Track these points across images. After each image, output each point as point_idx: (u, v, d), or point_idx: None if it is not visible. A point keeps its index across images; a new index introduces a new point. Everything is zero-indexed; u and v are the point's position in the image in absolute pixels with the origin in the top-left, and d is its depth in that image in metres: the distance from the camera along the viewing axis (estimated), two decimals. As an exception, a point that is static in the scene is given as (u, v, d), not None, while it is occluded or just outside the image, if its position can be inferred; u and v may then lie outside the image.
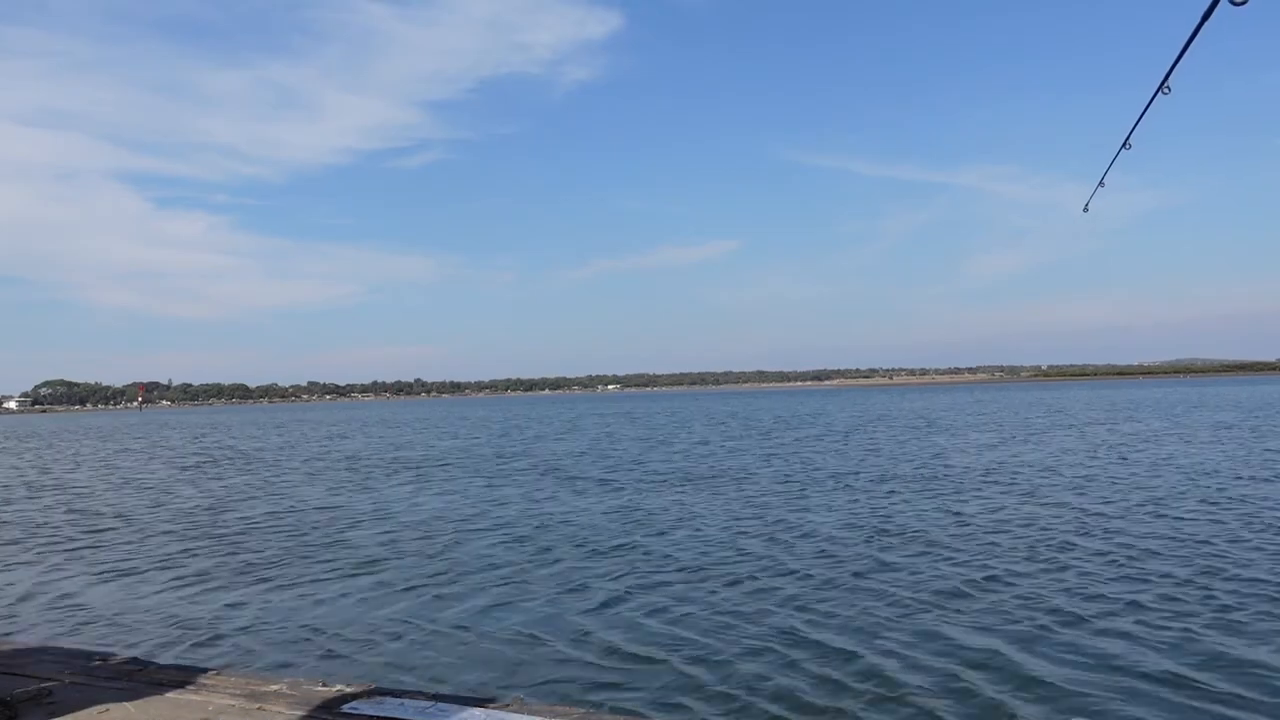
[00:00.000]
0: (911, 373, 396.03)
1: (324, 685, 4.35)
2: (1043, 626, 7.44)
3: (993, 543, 11.13)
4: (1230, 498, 14.21)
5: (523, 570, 10.37)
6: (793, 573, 9.77)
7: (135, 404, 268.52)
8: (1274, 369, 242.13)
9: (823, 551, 10.87)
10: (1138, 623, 7.45)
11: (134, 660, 5.71)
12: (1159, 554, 10.14)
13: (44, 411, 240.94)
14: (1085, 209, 6.63)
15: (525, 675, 6.60)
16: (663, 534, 12.62)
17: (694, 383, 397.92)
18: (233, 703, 4.00)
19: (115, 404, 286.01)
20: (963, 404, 69.59)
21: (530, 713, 3.79)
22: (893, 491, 16.30)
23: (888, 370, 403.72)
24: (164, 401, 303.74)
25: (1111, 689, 5.99)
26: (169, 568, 11.27)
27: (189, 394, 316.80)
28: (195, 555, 12.06)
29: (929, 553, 10.61)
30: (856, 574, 9.60)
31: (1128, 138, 5.17)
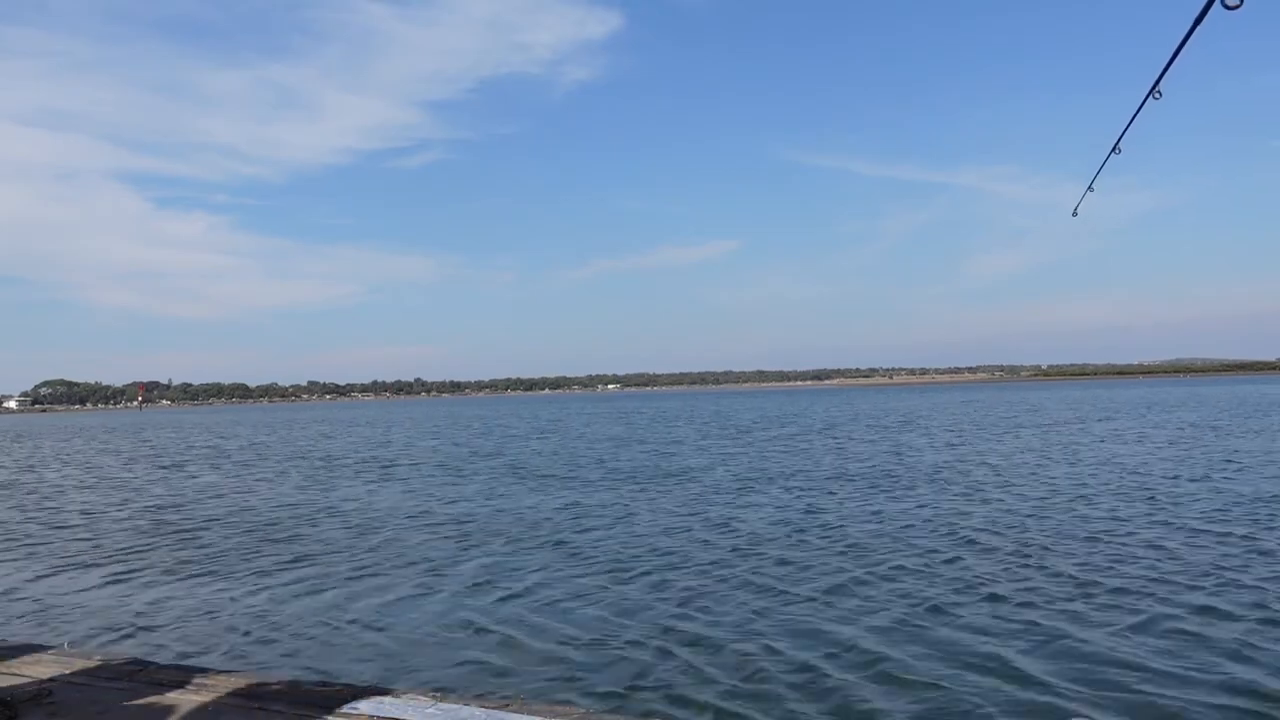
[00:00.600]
0: (911, 372, 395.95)
1: (324, 685, 4.35)
2: (903, 617, 7.71)
3: (900, 538, 11.42)
4: (1150, 496, 14.46)
5: (437, 565, 10.64)
6: (699, 567, 10.05)
7: (135, 404, 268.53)
8: (1274, 368, 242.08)
9: (736, 548, 11.12)
10: (993, 614, 7.73)
11: (134, 660, 5.71)
12: (1051, 549, 10.46)
13: (44, 411, 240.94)
14: (1074, 213, 6.60)
15: (397, 663, 6.90)
16: (595, 530, 12.91)
17: (694, 382, 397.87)
18: (233, 703, 4.01)
19: (115, 404, 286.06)
20: (949, 404, 69.81)
21: (530, 713, 3.79)
22: (831, 491, 16.49)
23: (888, 370, 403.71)
24: (164, 401, 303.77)
25: (948, 675, 6.23)
26: (100, 565, 11.44)
27: (189, 394, 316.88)
28: (138, 551, 12.26)
29: (835, 548, 10.91)
30: (756, 568, 9.86)
31: (1118, 142, 5.15)
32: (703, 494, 16.64)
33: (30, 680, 4.33)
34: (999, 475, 18.30)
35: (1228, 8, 3.09)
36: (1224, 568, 9.18)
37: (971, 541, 11.05)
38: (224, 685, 4.29)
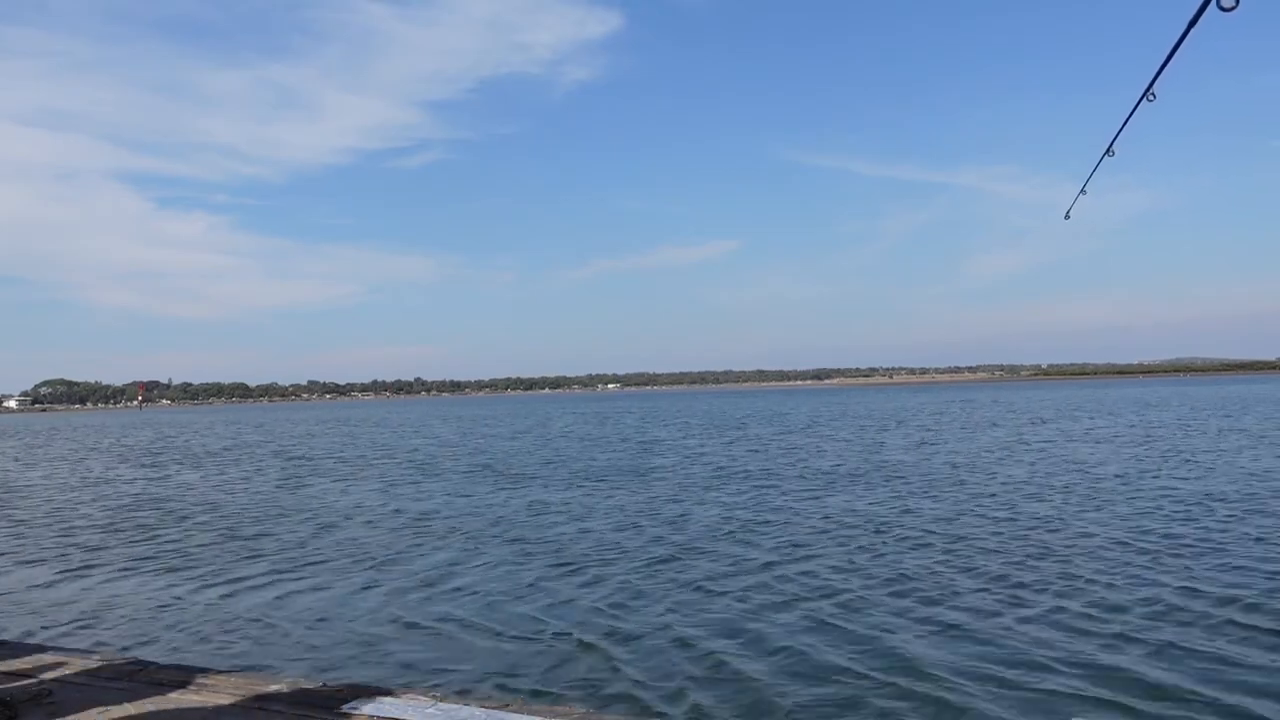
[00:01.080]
0: (911, 372, 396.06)
1: (324, 685, 4.35)
2: (814, 612, 7.98)
3: (838, 534, 11.82)
4: (1088, 494, 14.80)
5: (383, 561, 10.95)
6: (634, 563, 10.39)
7: (135, 403, 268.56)
8: (1274, 368, 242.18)
9: (678, 544, 11.51)
10: (887, 607, 8.08)
11: (134, 660, 5.71)
12: (977, 545, 10.83)
13: (44, 411, 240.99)
14: (1067, 216, 6.57)
15: (321, 655, 7.19)
16: (549, 526, 13.36)
17: (694, 382, 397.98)
18: (233, 703, 4.01)
19: (115, 403, 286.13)
20: (934, 403, 70.55)
21: (530, 713, 3.79)
22: (783, 488, 16.95)
23: (888, 370, 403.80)
24: (164, 401, 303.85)
25: (848, 667, 6.51)
26: (47, 560, 11.68)
27: (189, 393, 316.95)
28: (98, 548, 12.52)
29: (771, 544, 11.27)
30: (688, 565, 10.21)
31: (1111, 144, 5.13)
32: (658, 492, 17.06)
33: (30, 680, 4.33)
34: (954, 470, 18.99)
35: (1223, 9, 3.08)
36: (1131, 563, 9.53)
37: (903, 538, 11.33)
38: (224, 685, 4.29)
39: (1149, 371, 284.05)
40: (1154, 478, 16.72)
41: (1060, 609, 7.79)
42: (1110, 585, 8.57)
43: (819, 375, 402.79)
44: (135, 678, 4.45)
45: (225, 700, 4.01)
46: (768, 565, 10.00)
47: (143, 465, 28.89)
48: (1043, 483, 16.49)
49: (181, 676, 4.48)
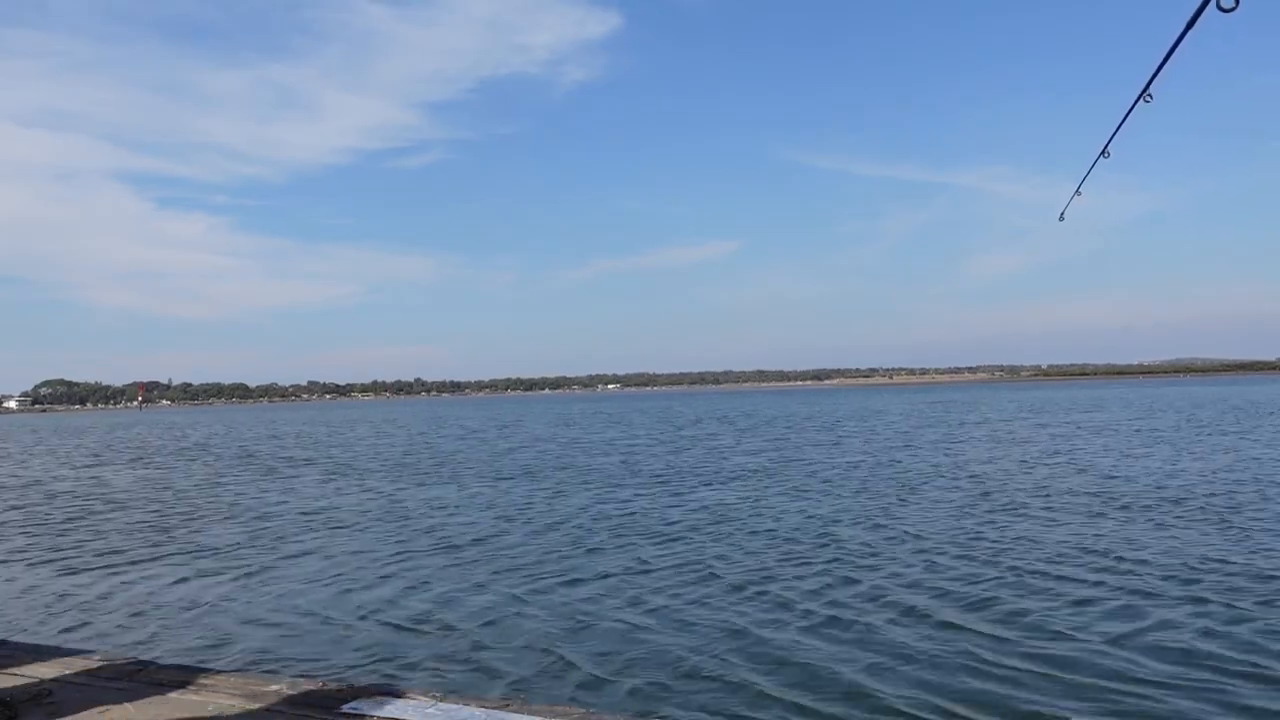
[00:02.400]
0: (911, 372, 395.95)
1: (325, 685, 4.35)
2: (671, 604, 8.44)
3: (723, 528, 12.49)
4: (1014, 495, 15.23)
5: (287, 555, 11.39)
6: (523, 552, 11.27)
7: (135, 404, 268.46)
8: (1274, 368, 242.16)
9: (572, 538, 12.13)
10: (761, 596, 8.59)
11: (134, 660, 5.71)
12: (878, 529, 11.65)
13: (44, 411, 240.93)
14: (1061, 218, 6.54)
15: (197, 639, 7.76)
16: (448, 520, 14.20)
17: (694, 382, 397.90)
18: (233, 703, 4.00)
19: (115, 403, 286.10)
20: (919, 403, 71.42)
21: (530, 713, 3.79)
22: (709, 485, 17.99)
23: (888, 370, 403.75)
24: (164, 401, 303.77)
25: (690, 650, 6.91)
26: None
27: (189, 394, 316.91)
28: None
29: (648, 537, 11.97)
30: (568, 555, 10.91)
31: (1106, 145, 5.10)
32: (569, 488, 18.14)
33: (30, 680, 4.33)
34: (892, 467, 19.90)
35: (1223, 10, 3.06)
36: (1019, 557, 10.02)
37: (788, 539, 11.75)
38: (224, 685, 4.29)
39: (1149, 371, 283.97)
40: (1083, 475, 17.34)
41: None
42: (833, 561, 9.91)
43: (819, 375, 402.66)
44: (135, 678, 4.45)
45: (225, 700, 4.01)
46: (639, 557, 10.70)
47: (114, 465, 28.95)
48: (973, 480, 17.20)
49: (181, 676, 4.48)
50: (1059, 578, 8.91)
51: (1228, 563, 9.33)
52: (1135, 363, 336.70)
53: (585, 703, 5.75)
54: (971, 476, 17.97)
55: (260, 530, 13.94)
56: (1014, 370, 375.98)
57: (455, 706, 3.90)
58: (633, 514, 14.32)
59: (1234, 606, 7.67)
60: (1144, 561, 9.50)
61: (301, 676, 5.43)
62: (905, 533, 11.76)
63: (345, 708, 3.85)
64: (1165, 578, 8.77)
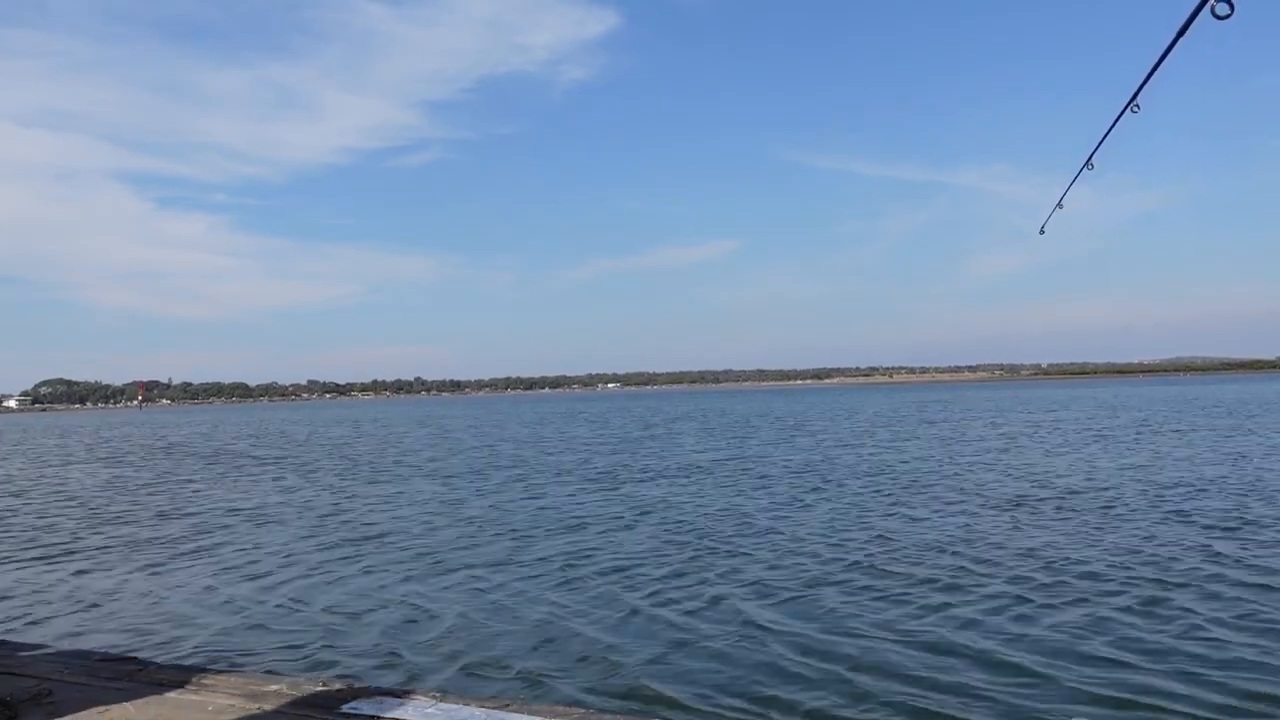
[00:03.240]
0: (911, 371, 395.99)
1: (324, 685, 4.35)
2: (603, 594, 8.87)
3: (629, 525, 12.94)
4: (945, 493, 15.52)
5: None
6: (424, 543, 11.88)
7: (135, 403, 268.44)
8: (1274, 368, 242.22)
9: (492, 533, 12.58)
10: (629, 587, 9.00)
11: (134, 660, 5.71)
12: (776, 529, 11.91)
13: (44, 410, 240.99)
14: (1042, 231, 6.41)
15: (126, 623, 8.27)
16: (390, 517, 14.69)
17: (694, 381, 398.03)
18: (233, 703, 4.01)
19: (115, 403, 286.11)
20: (900, 403, 71.83)
21: (530, 713, 3.79)
22: (644, 481, 18.65)
23: (888, 369, 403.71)
24: (164, 401, 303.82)
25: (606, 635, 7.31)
26: None
27: (189, 393, 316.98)
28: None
29: (551, 532, 12.52)
30: (489, 549, 11.45)
31: (1090, 158, 4.99)
32: (507, 486, 18.83)
33: (30, 680, 4.33)
34: (837, 465, 20.49)
35: (1218, 18, 3.01)
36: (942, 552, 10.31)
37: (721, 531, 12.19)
38: (224, 685, 4.29)
39: (1149, 371, 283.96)
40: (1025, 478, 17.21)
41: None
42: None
43: (819, 375, 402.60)
44: (135, 678, 4.45)
45: (225, 700, 4.01)
46: (564, 551, 11.14)
47: (79, 463, 29.01)
48: (911, 478, 17.67)
49: (181, 676, 4.48)
50: (884, 571, 9.38)
51: (1052, 557, 9.70)
52: (1135, 362, 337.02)
53: (586, 703, 5.75)
54: (886, 474, 18.66)
55: (179, 526, 14.38)
56: (1014, 369, 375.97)
57: (455, 707, 3.90)
58: (546, 509, 15.03)
59: (1025, 599, 8.01)
60: (977, 555, 9.96)
61: (301, 676, 5.43)
62: (782, 527, 12.32)
63: (345, 708, 3.85)
64: (981, 572, 9.13)
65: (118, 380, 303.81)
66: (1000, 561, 9.59)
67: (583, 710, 4.27)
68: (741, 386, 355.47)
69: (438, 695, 4.21)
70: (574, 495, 16.82)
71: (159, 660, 6.16)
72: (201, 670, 4.84)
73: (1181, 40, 3.37)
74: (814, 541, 11.13)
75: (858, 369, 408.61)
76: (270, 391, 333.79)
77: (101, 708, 3.97)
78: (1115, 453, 21.68)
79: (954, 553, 10.14)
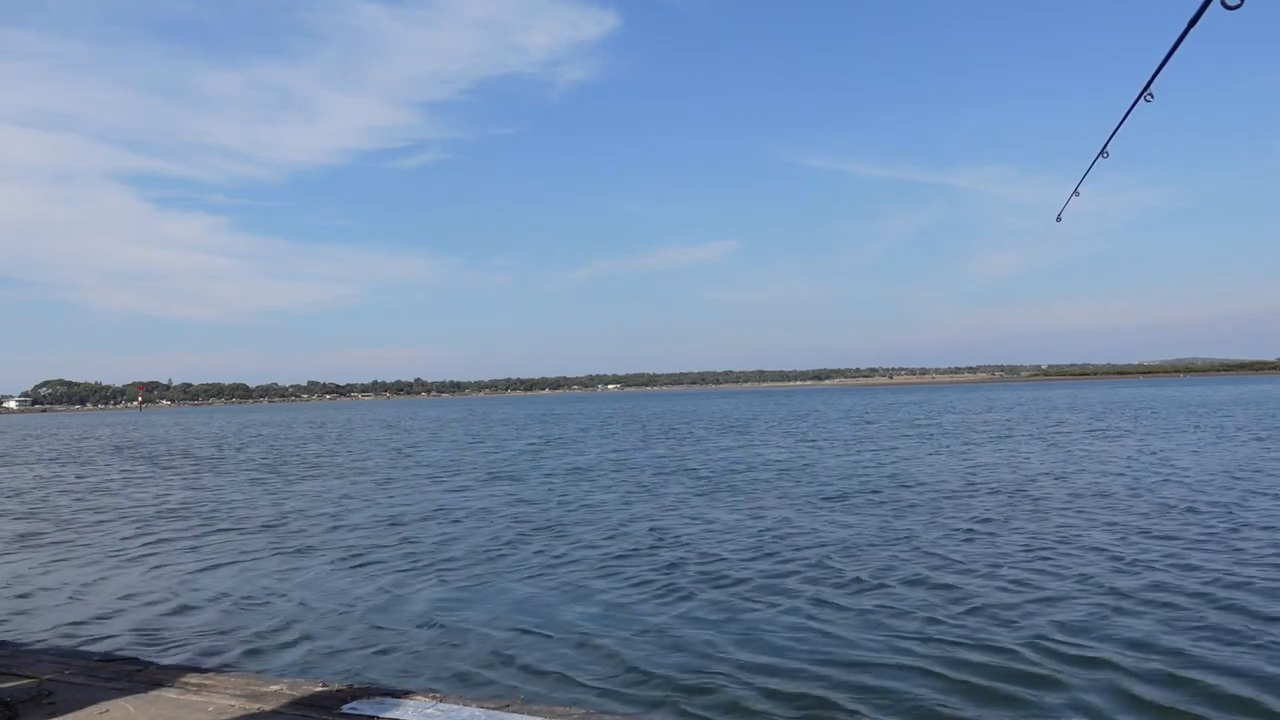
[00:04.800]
0: (911, 372, 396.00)
1: (324, 685, 4.35)
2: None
3: (561, 522, 13.21)
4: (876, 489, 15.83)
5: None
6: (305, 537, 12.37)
7: (135, 404, 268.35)
8: (1274, 368, 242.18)
9: (449, 531, 12.76)
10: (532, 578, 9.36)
11: (134, 660, 5.71)
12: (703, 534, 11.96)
13: (44, 411, 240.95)
14: (1059, 219, 6.52)
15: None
16: (330, 516, 14.99)
17: (694, 382, 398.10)
18: (233, 703, 4.00)
19: (115, 404, 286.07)
20: (875, 404, 72.16)
21: (530, 713, 3.80)
22: (576, 481, 19.08)
23: (888, 370, 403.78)
24: (164, 401, 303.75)
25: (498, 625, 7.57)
26: None
27: (189, 394, 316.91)
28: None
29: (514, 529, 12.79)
30: (417, 542, 11.93)
31: (1105, 145, 5.06)
32: (455, 487, 19.11)
33: (30, 680, 4.33)
34: (770, 467, 20.69)
35: (1228, 7, 3.02)
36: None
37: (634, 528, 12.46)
38: (224, 685, 4.29)
39: (1149, 371, 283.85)
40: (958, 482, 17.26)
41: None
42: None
43: (819, 375, 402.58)
44: (135, 678, 4.45)
45: (225, 700, 4.01)
46: (485, 546, 11.39)
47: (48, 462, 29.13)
48: (840, 478, 18.04)
49: (181, 676, 4.48)
50: (702, 556, 10.15)
51: (862, 548, 10.32)
52: (1136, 363, 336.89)
53: (588, 702, 5.75)
54: (782, 471, 19.42)
55: (91, 523, 14.81)
56: (1014, 370, 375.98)
57: (455, 707, 3.90)
58: (444, 506, 15.64)
59: (816, 583, 8.68)
60: (794, 547, 10.58)
61: (301, 677, 5.43)
62: (645, 518, 13.24)
63: (345, 708, 3.85)
64: (780, 561, 9.81)
65: (118, 381, 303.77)
66: (736, 545, 10.70)
67: (583, 710, 4.28)
68: (741, 387, 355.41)
69: (438, 695, 4.21)
70: (488, 490, 17.72)
71: (159, 660, 6.15)
72: (201, 670, 4.85)
73: (1193, 31, 3.40)
74: (648, 536, 11.70)
75: (858, 370, 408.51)
76: (270, 392, 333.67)
77: (101, 708, 3.97)
78: (1022, 453, 22.33)
79: (774, 544, 10.85)
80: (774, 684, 5.85)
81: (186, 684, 4.34)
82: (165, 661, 6.31)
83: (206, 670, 4.83)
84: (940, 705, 5.45)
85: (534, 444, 32.87)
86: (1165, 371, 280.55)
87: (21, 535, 13.64)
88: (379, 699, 4.05)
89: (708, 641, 6.86)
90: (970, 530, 11.22)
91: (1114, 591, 7.91)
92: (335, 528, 13.21)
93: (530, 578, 9.37)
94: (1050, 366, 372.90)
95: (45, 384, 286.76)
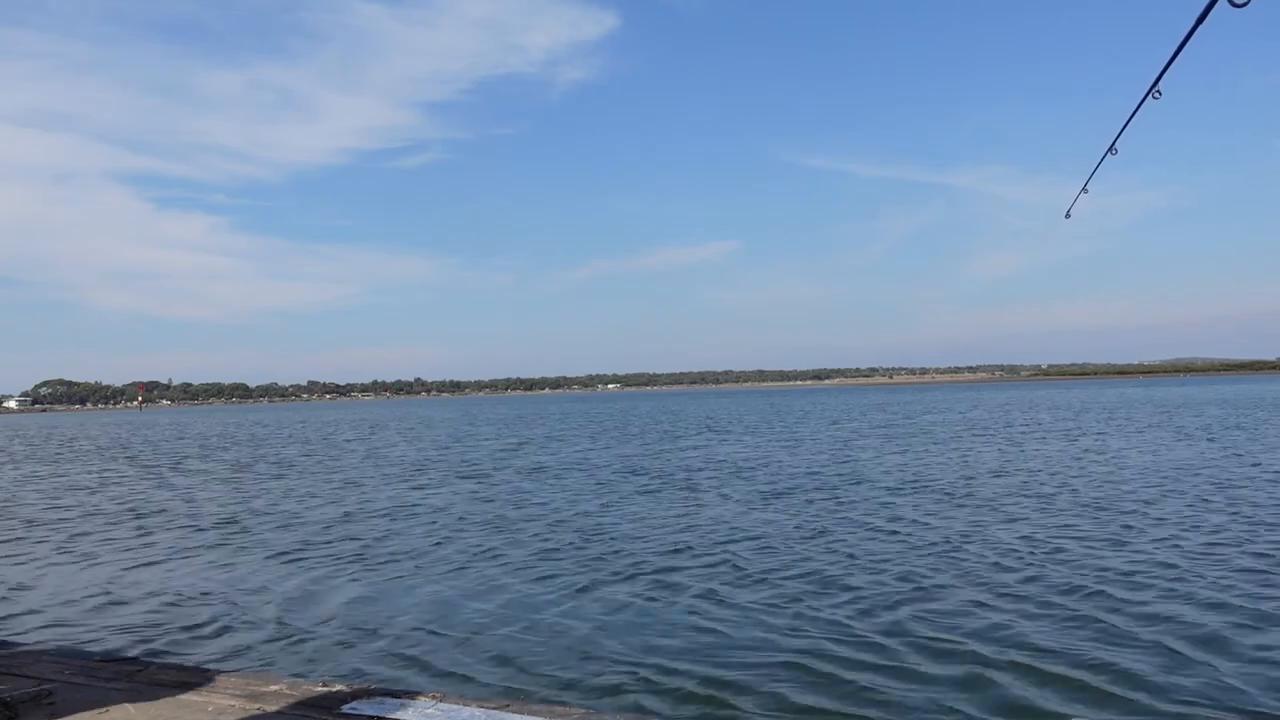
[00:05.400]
0: (911, 372, 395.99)
1: (324, 685, 4.35)
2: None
3: (501, 518, 13.71)
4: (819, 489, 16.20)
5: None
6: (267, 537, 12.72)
7: (135, 404, 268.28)
8: (1274, 368, 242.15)
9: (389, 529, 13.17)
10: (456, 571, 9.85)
11: (134, 660, 5.71)
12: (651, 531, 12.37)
13: (44, 411, 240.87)
14: (1068, 215, 6.50)
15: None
16: (275, 508, 15.88)
17: (694, 382, 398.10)
18: (233, 703, 4.00)
19: (115, 403, 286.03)
20: (874, 403, 72.86)
21: (530, 713, 3.79)
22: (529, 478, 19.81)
23: (888, 370, 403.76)
24: (164, 401, 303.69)
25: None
26: None
27: (189, 394, 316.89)
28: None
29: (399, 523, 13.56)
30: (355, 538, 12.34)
31: (1114, 142, 5.04)
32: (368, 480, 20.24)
33: (30, 680, 4.33)
34: (722, 468, 21.04)
35: (1235, 5, 3.02)
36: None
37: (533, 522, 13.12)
38: (225, 685, 4.29)
39: (1149, 371, 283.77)
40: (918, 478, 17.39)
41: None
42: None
43: (819, 375, 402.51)
44: (135, 678, 4.45)
45: (225, 700, 4.01)
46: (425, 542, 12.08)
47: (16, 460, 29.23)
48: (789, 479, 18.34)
49: (181, 676, 4.48)
50: (620, 551, 10.62)
51: (775, 544, 10.73)
52: (1136, 363, 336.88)
53: (585, 702, 5.74)
54: (735, 470, 19.90)
55: (54, 521, 15.21)
56: (1014, 370, 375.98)
57: (455, 706, 3.89)
58: (398, 505, 16.12)
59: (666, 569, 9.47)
60: (713, 541, 11.03)
61: (301, 677, 5.42)
62: (585, 515, 13.77)
63: (345, 708, 3.85)
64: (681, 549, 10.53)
65: (118, 381, 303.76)
66: (604, 533, 11.63)
67: (583, 710, 4.27)
68: (741, 387, 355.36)
69: (438, 695, 4.21)
70: (445, 488, 18.36)
71: (159, 660, 6.15)
72: (202, 670, 4.84)
73: (1201, 30, 3.40)
74: (581, 530, 12.27)
75: (858, 370, 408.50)
76: (270, 392, 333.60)
77: (101, 708, 3.96)
78: (963, 453, 22.77)
79: (683, 536, 11.47)
80: (644, 672, 6.19)
81: (187, 684, 4.34)
82: (165, 661, 6.31)
83: (207, 670, 4.83)
84: (795, 694, 5.70)
85: (510, 444, 33.29)
86: (1165, 371, 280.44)
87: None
88: (379, 699, 4.05)
89: (590, 633, 7.23)
90: (882, 528, 11.59)
91: (987, 585, 8.28)
92: (281, 526, 13.65)
93: (447, 574, 9.75)
94: (1050, 366, 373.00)
95: (45, 384, 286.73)
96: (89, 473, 25.76)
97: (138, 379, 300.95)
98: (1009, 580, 8.48)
